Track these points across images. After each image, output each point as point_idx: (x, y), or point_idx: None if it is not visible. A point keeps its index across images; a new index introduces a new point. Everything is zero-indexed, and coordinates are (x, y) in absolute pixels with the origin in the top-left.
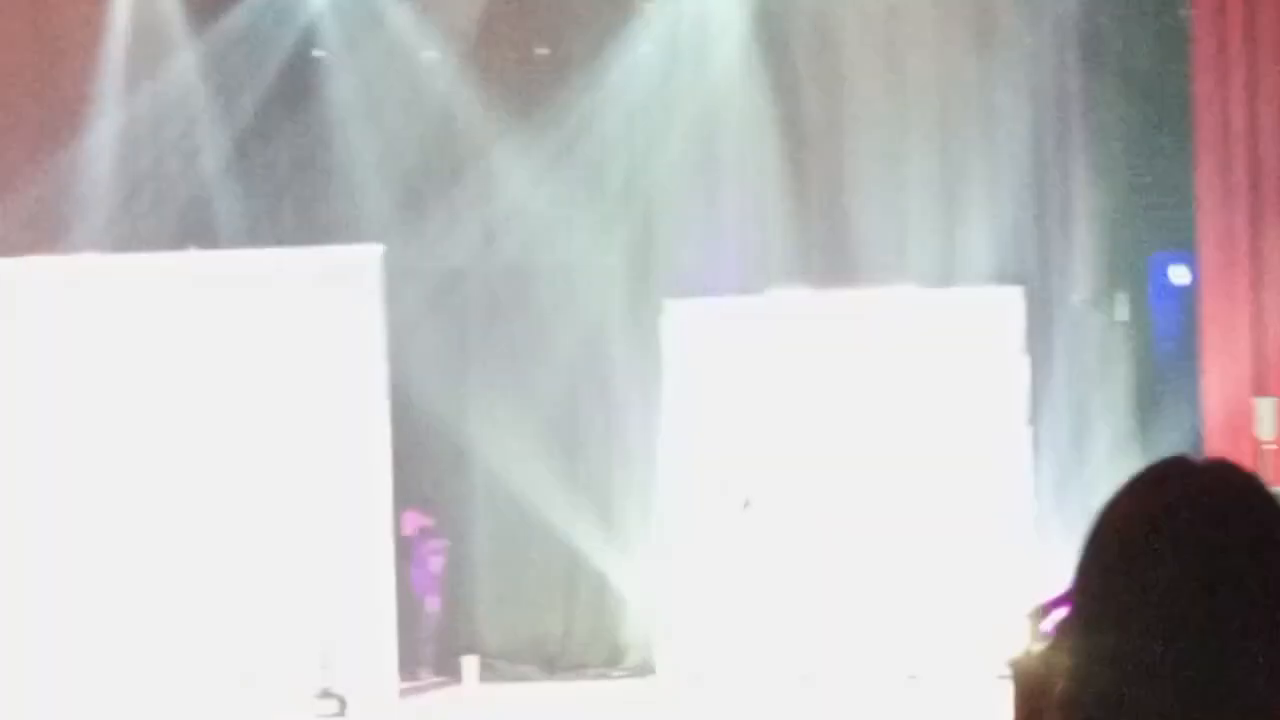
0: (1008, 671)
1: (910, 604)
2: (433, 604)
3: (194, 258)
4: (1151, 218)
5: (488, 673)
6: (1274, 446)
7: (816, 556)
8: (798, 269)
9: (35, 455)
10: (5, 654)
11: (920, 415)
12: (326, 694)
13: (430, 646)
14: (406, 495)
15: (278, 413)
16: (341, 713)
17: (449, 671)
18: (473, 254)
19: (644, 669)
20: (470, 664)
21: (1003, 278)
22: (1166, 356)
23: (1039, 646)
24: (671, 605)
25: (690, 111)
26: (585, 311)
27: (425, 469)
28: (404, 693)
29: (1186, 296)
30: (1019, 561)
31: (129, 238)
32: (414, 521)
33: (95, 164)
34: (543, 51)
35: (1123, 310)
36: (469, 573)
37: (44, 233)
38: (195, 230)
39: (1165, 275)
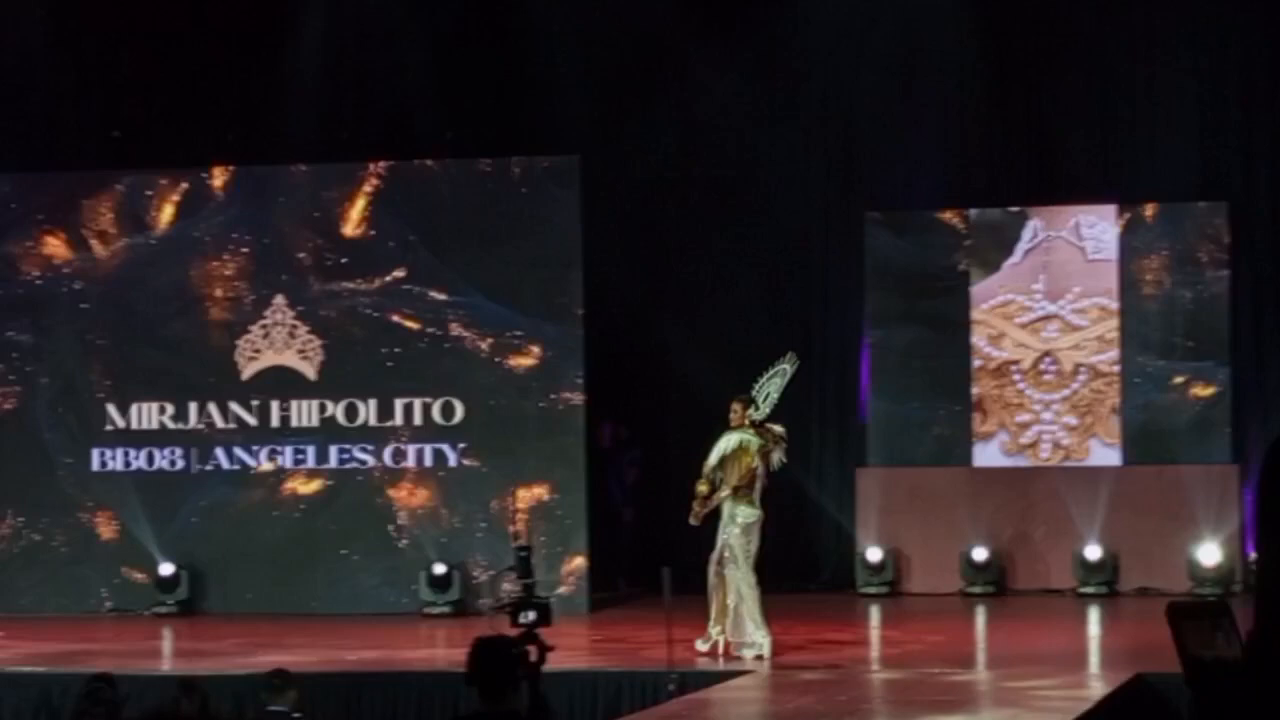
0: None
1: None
2: (629, 514)
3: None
4: None
5: (683, 584)
6: None
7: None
8: (999, 184)
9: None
10: None
11: (1129, 328)
12: (528, 601)
13: (626, 557)
14: (604, 407)
15: (476, 319)
16: (545, 620)
17: (645, 582)
18: (671, 164)
19: (839, 582)
20: (666, 575)
21: (1208, 193)
22: None
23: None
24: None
25: (892, 23)
26: (784, 223)
27: (623, 380)
28: (600, 602)
29: None
30: (1220, 477)
31: (333, 147)
32: (611, 432)
33: (300, 75)
34: None
35: None
36: (665, 484)
37: (250, 142)
38: (397, 139)
39: None
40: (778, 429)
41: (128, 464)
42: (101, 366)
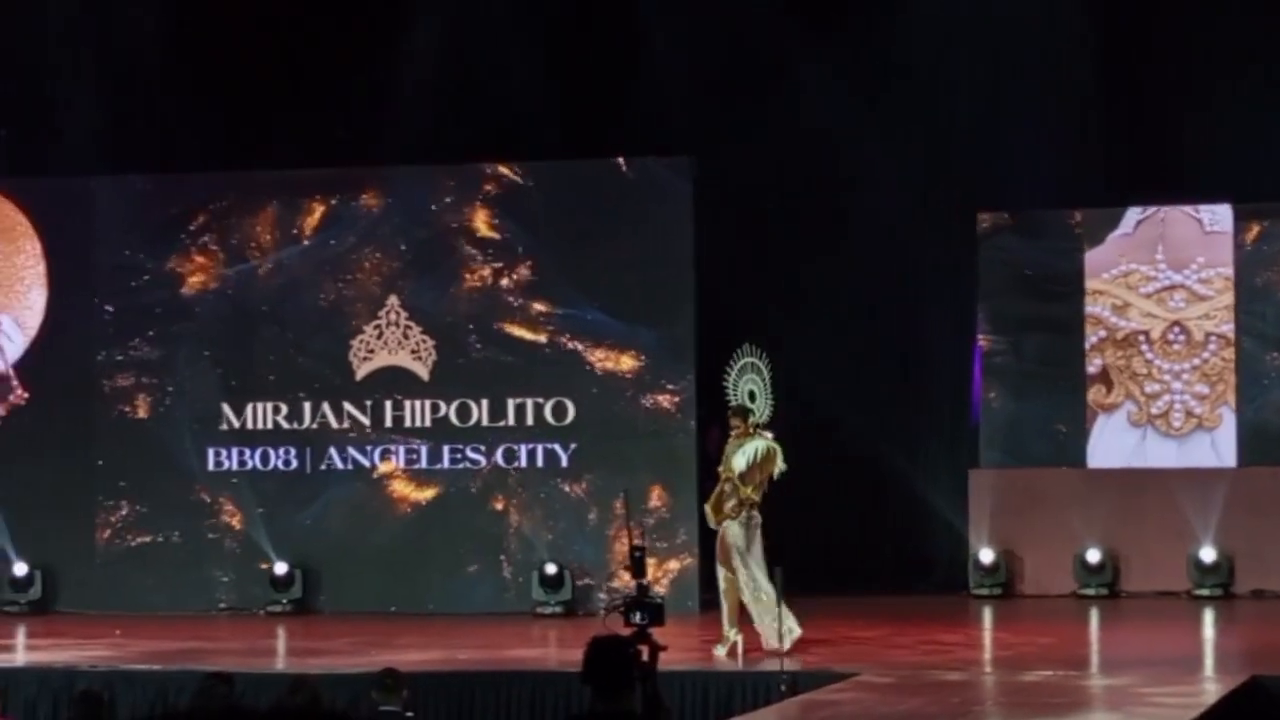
0: None
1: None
2: None
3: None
4: None
5: (793, 583)
6: None
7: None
8: (1109, 184)
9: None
10: None
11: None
12: (641, 601)
13: None
14: (713, 409)
15: (586, 320)
16: (657, 620)
17: None
18: (779, 164)
19: (952, 583)
20: (778, 575)
21: None
22: None
23: None
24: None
25: (1000, 22)
26: (892, 222)
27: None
28: (711, 602)
29: None
30: None
31: (444, 148)
32: (719, 436)
33: (412, 76)
34: None
35: None
36: (775, 484)
37: (359, 143)
38: (506, 140)
39: None
40: (769, 434)
41: (243, 464)
42: (219, 368)
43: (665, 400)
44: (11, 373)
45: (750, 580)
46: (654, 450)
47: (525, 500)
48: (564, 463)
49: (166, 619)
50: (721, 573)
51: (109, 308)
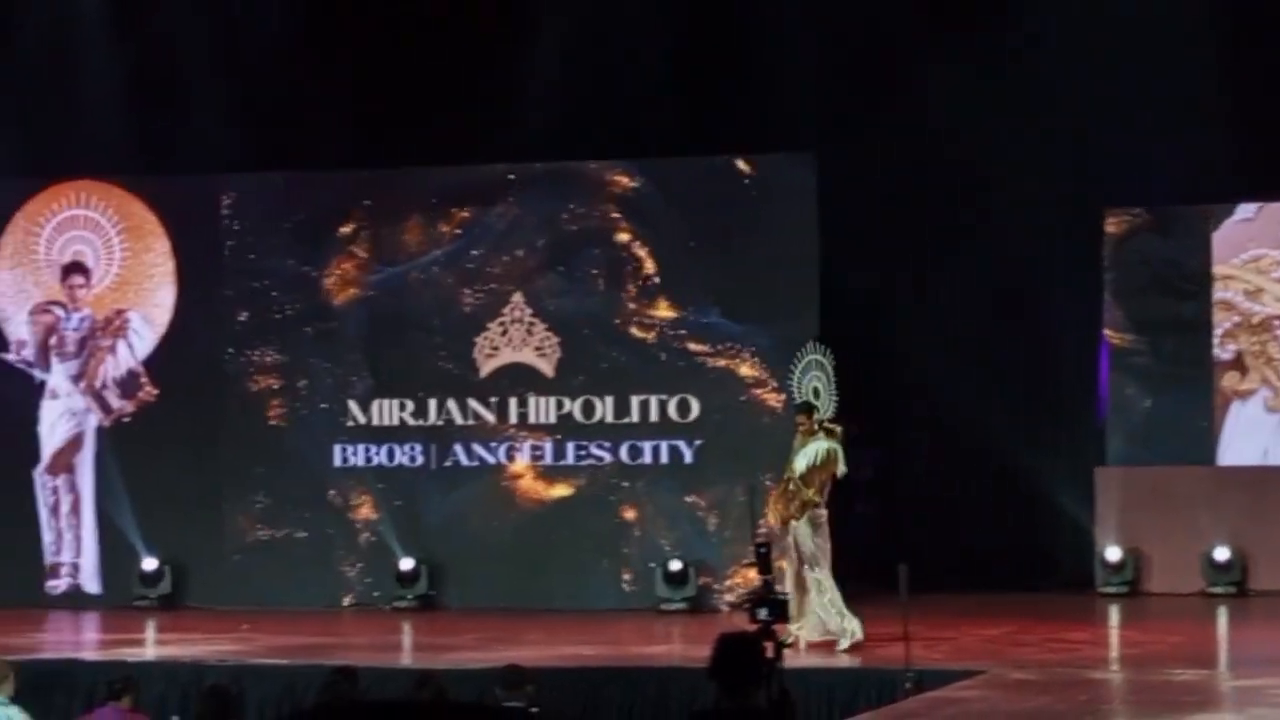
0: None
1: None
2: (862, 511)
3: None
4: None
5: (918, 581)
6: None
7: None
8: (1229, 177)
9: None
10: None
11: None
12: (766, 597)
13: (860, 553)
14: (839, 404)
15: (710, 317)
16: (781, 617)
17: (880, 580)
18: (904, 160)
19: (1078, 581)
20: (904, 572)
21: None
22: None
23: None
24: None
25: (1127, 14)
26: (1018, 218)
27: (856, 378)
28: None
29: None
30: None
31: (566, 146)
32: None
33: (536, 74)
34: None
35: None
36: (900, 482)
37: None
38: (628, 138)
39: None
40: (839, 428)
41: (369, 460)
42: (347, 366)
43: (789, 397)
44: (141, 369)
45: (817, 580)
46: (779, 446)
47: (649, 497)
48: (688, 459)
49: (293, 614)
50: (788, 569)
51: (240, 307)
